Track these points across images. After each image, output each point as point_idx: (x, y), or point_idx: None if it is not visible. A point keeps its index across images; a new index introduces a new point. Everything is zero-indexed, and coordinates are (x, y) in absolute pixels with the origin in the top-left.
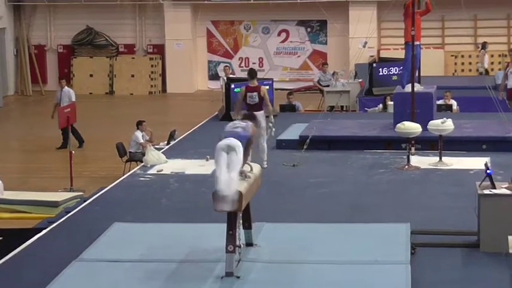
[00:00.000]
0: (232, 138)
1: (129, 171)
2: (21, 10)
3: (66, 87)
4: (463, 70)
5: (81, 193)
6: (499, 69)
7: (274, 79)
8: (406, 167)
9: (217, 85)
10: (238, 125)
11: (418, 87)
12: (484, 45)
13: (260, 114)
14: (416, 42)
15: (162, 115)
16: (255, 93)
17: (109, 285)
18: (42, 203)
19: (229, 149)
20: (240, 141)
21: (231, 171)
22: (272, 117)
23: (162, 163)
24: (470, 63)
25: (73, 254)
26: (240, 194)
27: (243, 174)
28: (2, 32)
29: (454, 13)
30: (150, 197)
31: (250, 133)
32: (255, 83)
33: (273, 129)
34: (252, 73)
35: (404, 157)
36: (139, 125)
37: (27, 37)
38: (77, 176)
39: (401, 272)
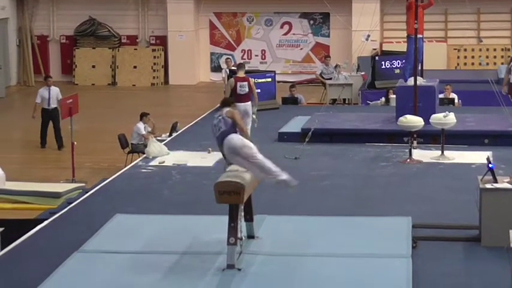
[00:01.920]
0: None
1: (131, 162)
2: (24, 0)
3: (53, 86)
4: (465, 64)
5: (83, 184)
6: (502, 63)
7: (276, 71)
8: (408, 160)
9: (220, 77)
10: (217, 121)
11: (420, 81)
12: None
13: (249, 105)
14: (419, 36)
15: (164, 107)
16: (245, 83)
17: (110, 277)
18: (44, 193)
19: (234, 151)
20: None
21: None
22: (256, 109)
23: (164, 155)
24: (473, 56)
25: (74, 245)
26: (242, 186)
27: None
28: (4, 23)
29: (457, 6)
30: (151, 188)
31: (229, 120)
32: (243, 74)
33: (256, 121)
34: (240, 65)
35: (406, 151)
36: (143, 116)
37: (30, 27)
38: (79, 167)
39: (402, 266)
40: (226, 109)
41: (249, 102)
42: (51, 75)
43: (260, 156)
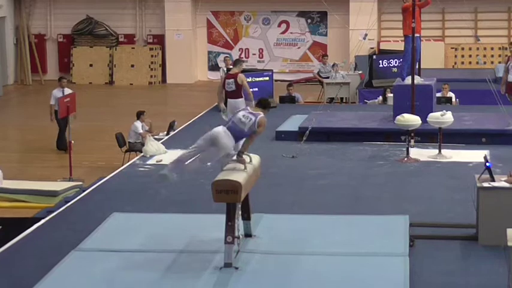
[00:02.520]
0: (228, 135)
1: (128, 161)
2: None
3: (66, 87)
4: (463, 63)
5: (81, 183)
6: (499, 62)
7: (274, 70)
8: (406, 159)
9: (217, 76)
10: (247, 121)
11: (418, 80)
12: None
13: (239, 102)
14: (417, 35)
15: (162, 105)
16: (232, 80)
17: (107, 275)
18: (41, 192)
19: (214, 142)
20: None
21: (195, 162)
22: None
23: (161, 153)
24: (470, 55)
25: (72, 244)
26: (240, 185)
27: (242, 162)
28: (2, 21)
29: (454, 5)
30: (149, 187)
31: (255, 129)
32: (235, 70)
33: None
34: (236, 61)
35: (404, 149)
36: (141, 115)
37: (27, 26)
38: (76, 165)
39: (399, 264)
40: (261, 116)
41: (240, 99)
42: (48, 73)
43: (196, 165)
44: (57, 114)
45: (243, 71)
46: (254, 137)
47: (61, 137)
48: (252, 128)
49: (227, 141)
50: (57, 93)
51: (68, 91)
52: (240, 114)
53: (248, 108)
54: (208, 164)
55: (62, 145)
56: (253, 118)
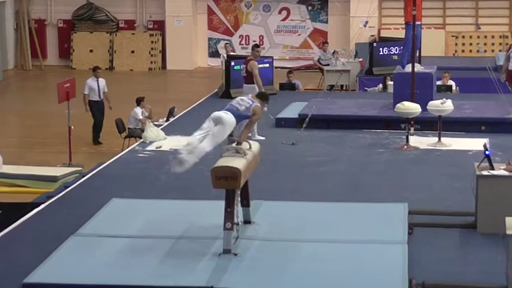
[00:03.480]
0: (228, 113)
1: (128, 147)
2: None
3: (101, 78)
4: (463, 51)
5: (80, 168)
6: (500, 51)
7: (274, 57)
8: (405, 147)
9: (217, 62)
10: (243, 103)
11: (418, 68)
12: None
13: (250, 87)
14: (417, 22)
15: (162, 92)
16: (244, 66)
17: (107, 261)
18: (41, 177)
19: (218, 122)
20: (236, 119)
21: (206, 141)
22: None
23: (161, 140)
24: (471, 43)
25: (71, 229)
26: (239, 171)
27: (241, 151)
28: (2, 6)
29: None
30: (148, 173)
31: (250, 114)
32: (251, 56)
33: None
34: (252, 46)
35: (404, 137)
36: (141, 101)
37: (28, 11)
38: (76, 151)
39: (398, 252)
40: (256, 104)
41: (251, 85)
42: (48, 58)
43: (206, 145)
44: (93, 104)
45: (244, 58)
46: (250, 125)
47: (97, 128)
48: (247, 112)
49: (230, 117)
50: (91, 82)
51: (102, 81)
52: (239, 98)
53: (250, 95)
54: (219, 142)
55: (97, 138)
56: (250, 103)
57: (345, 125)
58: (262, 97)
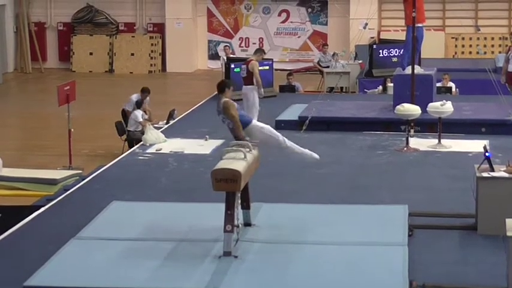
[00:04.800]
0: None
1: (128, 150)
2: None
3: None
4: (463, 52)
5: (80, 171)
6: (499, 52)
7: (274, 59)
8: (405, 149)
9: (217, 65)
10: (218, 109)
11: (418, 69)
12: None
13: (249, 88)
14: (420, 24)
15: (162, 94)
16: (244, 66)
17: (107, 264)
18: (41, 180)
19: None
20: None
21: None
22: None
23: (161, 142)
24: (470, 45)
25: (71, 232)
26: (239, 173)
27: (246, 146)
28: (2, 9)
29: None
30: (148, 176)
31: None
32: (252, 57)
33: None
34: (257, 49)
35: (403, 139)
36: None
37: (27, 14)
38: (76, 154)
39: (398, 254)
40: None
41: (250, 86)
42: (48, 61)
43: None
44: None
45: (244, 60)
46: (233, 124)
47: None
48: (223, 115)
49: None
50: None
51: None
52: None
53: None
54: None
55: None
56: (220, 105)
57: (345, 127)
58: (220, 89)
